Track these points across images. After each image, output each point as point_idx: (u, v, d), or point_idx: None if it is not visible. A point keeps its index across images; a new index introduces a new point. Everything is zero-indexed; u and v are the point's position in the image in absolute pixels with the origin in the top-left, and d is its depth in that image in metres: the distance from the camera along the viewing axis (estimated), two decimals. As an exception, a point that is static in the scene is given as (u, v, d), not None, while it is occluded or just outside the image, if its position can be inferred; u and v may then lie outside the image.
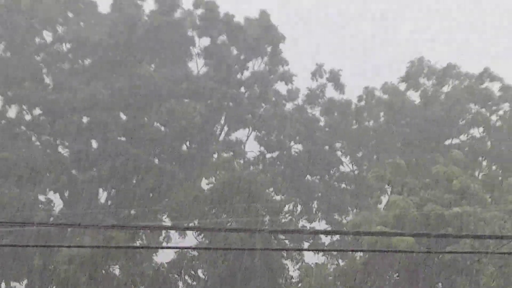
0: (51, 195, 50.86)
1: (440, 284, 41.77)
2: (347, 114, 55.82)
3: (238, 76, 56.87)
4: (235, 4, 61.21)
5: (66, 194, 51.07)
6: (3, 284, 49.09)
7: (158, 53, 55.39)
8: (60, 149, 52.28)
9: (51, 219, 47.43)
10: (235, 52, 56.87)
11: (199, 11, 56.01)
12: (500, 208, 41.25)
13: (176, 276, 46.69)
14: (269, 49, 56.69)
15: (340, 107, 56.06)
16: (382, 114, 55.57)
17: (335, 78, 56.97)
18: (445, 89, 55.53)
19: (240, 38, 56.22)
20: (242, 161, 53.41)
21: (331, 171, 55.37)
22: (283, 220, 48.92)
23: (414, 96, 56.23)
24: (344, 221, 51.63)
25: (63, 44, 55.25)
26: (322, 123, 56.54)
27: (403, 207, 40.54)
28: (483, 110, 53.00)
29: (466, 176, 43.27)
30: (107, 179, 50.81)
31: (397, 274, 42.07)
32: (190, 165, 52.84)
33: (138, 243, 46.31)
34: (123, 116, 51.97)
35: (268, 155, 55.98)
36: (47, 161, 50.31)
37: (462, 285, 39.83)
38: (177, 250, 47.38)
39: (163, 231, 48.85)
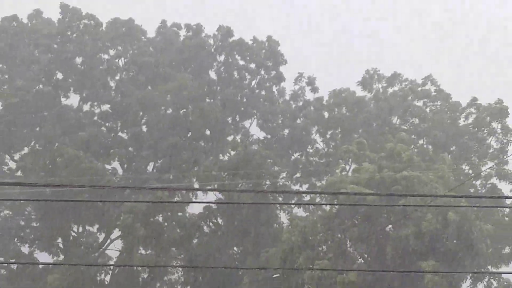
0: (115, 164, 51.95)
1: (390, 225, 41.96)
2: (320, 107, 55.71)
3: (246, 82, 57.10)
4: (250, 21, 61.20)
5: (125, 165, 51.86)
6: (80, 228, 50.08)
7: (189, 64, 55.77)
8: (120, 133, 53.02)
9: (116, 181, 48.18)
10: (242, 63, 57.16)
11: (219, 35, 56.37)
12: (433, 173, 41.44)
13: (202, 222, 47.72)
14: (271, 64, 56.70)
15: (314, 102, 56.21)
16: (344, 107, 55.00)
17: (311, 82, 56.99)
18: (391, 90, 55.29)
19: (249, 56, 56.58)
20: (248, 141, 54.07)
21: (308, 149, 55.58)
22: (279, 183, 49.35)
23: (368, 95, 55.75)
24: (319, 184, 51.33)
25: (121, 59, 55.72)
26: (301, 114, 56.50)
27: (370, 170, 40.92)
28: (421, 104, 53.29)
29: (410, 151, 43.67)
30: (154, 154, 51.37)
31: (359, 219, 42.17)
32: (212, 144, 53.35)
33: (175, 199, 47.16)
34: (169, 111, 52.47)
35: (265, 137, 56.45)
36: (112, 141, 51.52)
37: (408, 227, 39.79)
38: (203, 204, 47.82)
39: (192, 192, 49.57)
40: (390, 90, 55.57)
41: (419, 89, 53.85)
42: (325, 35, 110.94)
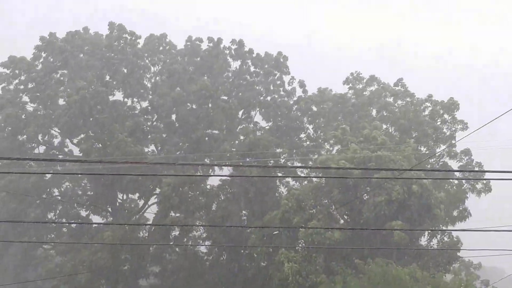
0: (152, 147, 51.76)
1: (367, 195, 41.81)
2: (310, 103, 55.16)
3: (255, 83, 56.29)
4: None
5: (159, 146, 51.58)
6: (124, 196, 49.70)
7: (210, 70, 55.31)
8: (156, 123, 52.55)
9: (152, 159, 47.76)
10: (253, 69, 56.54)
11: (234, 46, 55.72)
12: (400, 154, 41.61)
13: (220, 192, 47.72)
14: (277, 72, 55.97)
15: (305, 99, 55.39)
16: (329, 102, 54.72)
17: (302, 84, 56.26)
18: (369, 89, 54.92)
19: (259, 64, 55.99)
20: (255, 129, 53.58)
21: (301, 135, 54.96)
22: (280, 162, 50.20)
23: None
24: (310, 162, 50.57)
25: (156, 66, 55.33)
26: (295, 108, 55.61)
27: (357, 151, 41.00)
28: (391, 100, 53.00)
29: (382, 136, 43.75)
30: (183, 140, 51.12)
31: (342, 189, 42.10)
32: (227, 132, 52.72)
33: (199, 173, 47.57)
34: (194, 106, 51.76)
35: (268, 125, 55.63)
36: (150, 129, 51.22)
37: (380, 195, 39.97)
38: (221, 178, 48.46)
39: (211, 168, 47.70)
40: (368, 89, 54.95)
41: (392, 88, 53.58)
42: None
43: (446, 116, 49.84)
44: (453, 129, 49.16)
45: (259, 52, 56.66)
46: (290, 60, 57.01)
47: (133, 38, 54.06)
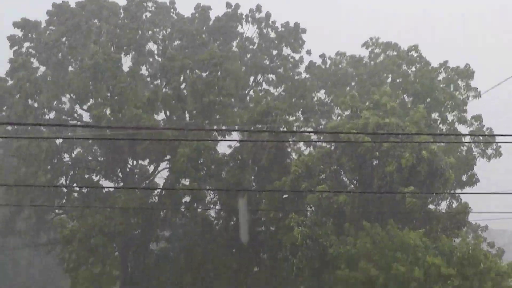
0: (161, 116, 52.72)
1: (376, 161, 43.41)
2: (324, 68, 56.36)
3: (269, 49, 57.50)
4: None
5: (168, 113, 52.46)
6: (134, 162, 51.90)
7: (222, 34, 56.79)
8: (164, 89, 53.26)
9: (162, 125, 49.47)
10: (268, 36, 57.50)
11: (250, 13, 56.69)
12: (409, 120, 42.94)
13: (230, 160, 49.48)
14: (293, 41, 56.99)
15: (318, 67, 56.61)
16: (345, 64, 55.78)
17: (309, 53, 57.40)
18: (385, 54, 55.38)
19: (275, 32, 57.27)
20: (267, 95, 53.73)
21: (314, 97, 55.82)
22: (293, 129, 49.60)
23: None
24: (321, 126, 51.72)
25: (164, 30, 56.53)
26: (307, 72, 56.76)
27: (370, 120, 42.09)
28: (404, 67, 53.58)
29: (393, 102, 44.78)
30: (193, 107, 50.94)
31: (352, 155, 43.39)
32: (237, 99, 54.10)
33: (209, 140, 47.86)
34: (203, 74, 51.91)
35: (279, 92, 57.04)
36: (159, 95, 51.22)
37: (389, 163, 41.22)
38: (232, 145, 49.90)
39: (222, 134, 50.60)
40: (385, 53, 55.86)
41: (407, 54, 54.32)
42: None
43: (460, 82, 50.82)
44: (466, 95, 50.10)
45: (276, 19, 57.87)
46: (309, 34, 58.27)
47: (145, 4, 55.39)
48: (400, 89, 52.25)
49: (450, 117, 49.62)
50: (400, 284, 38.19)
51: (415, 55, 54.38)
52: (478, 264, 37.86)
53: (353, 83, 54.16)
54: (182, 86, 52.64)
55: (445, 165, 40.84)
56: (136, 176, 51.36)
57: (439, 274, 37.52)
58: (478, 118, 48.28)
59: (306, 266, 41.62)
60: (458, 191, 45.19)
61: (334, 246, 40.66)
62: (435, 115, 48.84)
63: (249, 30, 58.21)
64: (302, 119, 51.91)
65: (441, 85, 51.12)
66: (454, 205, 42.62)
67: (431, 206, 43.13)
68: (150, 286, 48.32)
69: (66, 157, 51.39)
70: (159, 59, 55.82)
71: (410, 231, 39.83)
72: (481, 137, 46.29)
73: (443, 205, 42.62)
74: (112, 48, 51.13)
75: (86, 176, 49.89)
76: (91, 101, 50.31)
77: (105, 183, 50.42)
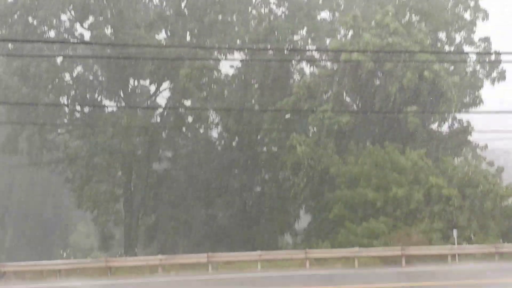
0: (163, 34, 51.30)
1: (377, 80, 43.42)
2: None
3: None
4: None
5: (169, 33, 51.12)
6: (136, 82, 51.26)
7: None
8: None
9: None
10: None
11: None
12: (411, 40, 42.50)
13: (232, 81, 49.50)
14: None
15: None
16: None
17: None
18: None
19: None
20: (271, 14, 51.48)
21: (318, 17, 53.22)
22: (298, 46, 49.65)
23: None
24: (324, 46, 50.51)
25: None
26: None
27: (372, 41, 41.73)
28: None
29: (396, 22, 43.97)
30: (193, 26, 50.12)
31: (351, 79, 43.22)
32: (239, 18, 52.12)
33: (211, 61, 48.10)
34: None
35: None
36: (158, 16, 49.74)
37: (391, 84, 41.55)
38: (234, 66, 49.51)
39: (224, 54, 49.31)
40: None
41: None
42: None
43: (469, 2, 50.26)
44: (476, 15, 49.48)
45: None
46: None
47: None
48: (407, 7, 50.36)
49: (458, 38, 49.24)
50: (399, 205, 39.46)
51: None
52: (478, 185, 38.98)
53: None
54: (183, 4, 51.82)
55: (447, 86, 41.26)
56: (138, 98, 51.80)
57: (440, 195, 38.66)
58: (486, 39, 47.95)
59: (307, 186, 42.86)
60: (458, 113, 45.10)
61: (335, 165, 41.73)
62: (442, 35, 48.39)
63: None
64: (305, 37, 51.34)
65: (449, 5, 50.62)
66: (455, 126, 43.00)
67: (433, 127, 43.64)
68: (152, 205, 49.81)
69: (67, 76, 51.56)
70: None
71: (411, 151, 40.76)
72: (486, 59, 45.97)
73: (445, 127, 42.88)
74: None
75: (88, 95, 50.27)
76: (91, 19, 50.01)
77: (106, 103, 51.02)
